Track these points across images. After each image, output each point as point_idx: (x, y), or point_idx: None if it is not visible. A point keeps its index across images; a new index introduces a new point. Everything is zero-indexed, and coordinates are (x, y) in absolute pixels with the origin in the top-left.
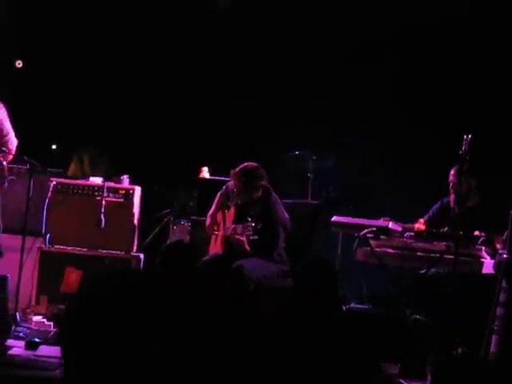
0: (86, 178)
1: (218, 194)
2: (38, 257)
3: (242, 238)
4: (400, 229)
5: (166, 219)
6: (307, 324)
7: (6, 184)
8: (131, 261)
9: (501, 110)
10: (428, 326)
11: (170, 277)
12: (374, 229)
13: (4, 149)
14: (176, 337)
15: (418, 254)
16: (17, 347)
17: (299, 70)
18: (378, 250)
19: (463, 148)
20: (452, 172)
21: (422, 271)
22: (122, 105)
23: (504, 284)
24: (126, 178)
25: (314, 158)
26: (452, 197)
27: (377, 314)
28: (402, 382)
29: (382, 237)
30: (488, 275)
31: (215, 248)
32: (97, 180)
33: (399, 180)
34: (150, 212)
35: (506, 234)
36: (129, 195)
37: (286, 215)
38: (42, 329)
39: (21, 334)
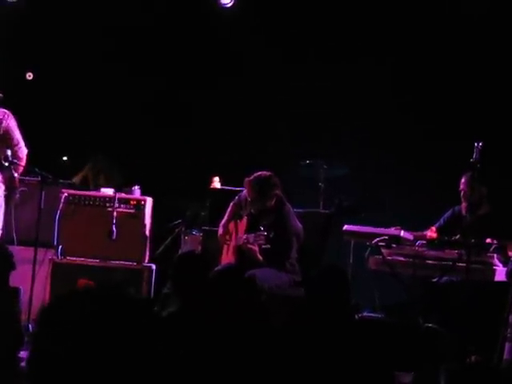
0: (98, 188)
1: (231, 203)
2: (49, 268)
3: (254, 247)
4: (412, 237)
5: (177, 230)
6: (320, 333)
7: (18, 195)
8: (143, 271)
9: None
10: (441, 335)
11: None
12: (386, 237)
13: (15, 161)
14: (183, 350)
15: (430, 262)
16: None
17: (310, 78)
18: (389, 258)
19: (474, 156)
20: (463, 180)
21: (434, 279)
22: (132, 116)
23: None
24: (137, 189)
25: (325, 166)
26: (464, 205)
27: (389, 322)
28: None
29: (393, 245)
30: (500, 282)
31: (227, 258)
32: (108, 191)
33: (410, 188)
34: (162, 223)
35: None
36: (140, 206)
37: (299, 225)
38: None
39: None
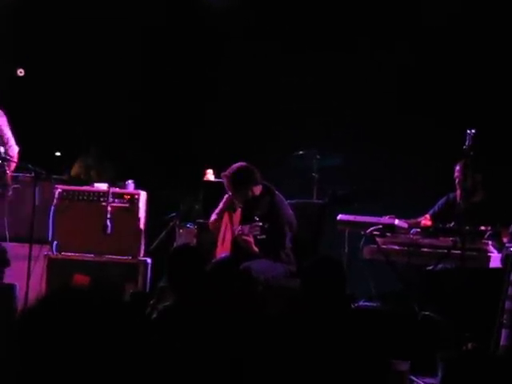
0: (90, 183)
1: (226, 195)
2: (45, 264)
3: (249, 239)
4: (406, 225)
5: (172, 223)
6: (316, 323)
7: (10, 192)
8: (138, 266)
9: (505, 104)
10: (437, 322)
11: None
12: (380, 226)
13: (8, 157)
14: (180, 344)
15: (425, 250)
16: None
17: (304, 70)
18: (384, 247)
19: (467, 143)
20: (457, 167)
21: (430, 267)
22: (125, 110)
23: None
24: (130, 183)
25: (318, 157)
26: (458, 192)
27: (385, 311)
28: (413, 378)
29: (388, 234)
30: (495, 269)
31: (222, 250)
32: (102, 186)
33: (404, 177)
34: (156, 216)
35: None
36: (134, 200)
37: (292, 213)
38: None
39: None
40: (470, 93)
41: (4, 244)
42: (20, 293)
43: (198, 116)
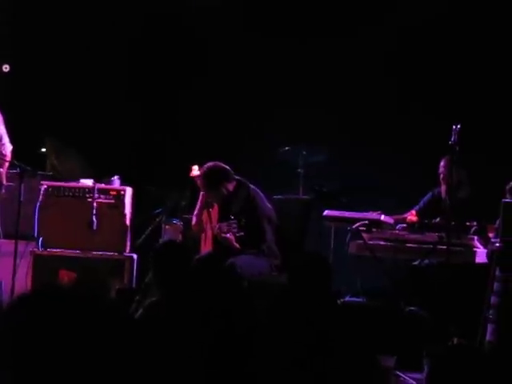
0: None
1: (201, 193)
2: (31, 261)
3: (229, 236)
4: (392, 221)
5: (158, 219)
6: (302, 318)
7: (4, 191)
8: (124, 262)
9: (490, 100)
10: (423, 318)
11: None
12: (366, 222)
13: (1, 156)
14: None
15: (411, 245)
16: None
17: (289, 63)
18: (370, 242)
19: (452, 138)
20: (442, 163)
21: (416, 262)
22: (110, 106)
23: (498, 273)
24: (116, 179)
25: (304, 152)
26: (443, 187)
27: (371, 306)
28: (399, 374)
29: (374, 229)
30: (481, 264)
31: (206, 247)
32: (87, 182)
33: (390, 172)
34: (142, 212)
35: (497, 222)
36: (120, 196)
37: (270, 207)
38: None
39: None
40: (456, 88)
41: None
42: (5, 289)
43: (184, 112)
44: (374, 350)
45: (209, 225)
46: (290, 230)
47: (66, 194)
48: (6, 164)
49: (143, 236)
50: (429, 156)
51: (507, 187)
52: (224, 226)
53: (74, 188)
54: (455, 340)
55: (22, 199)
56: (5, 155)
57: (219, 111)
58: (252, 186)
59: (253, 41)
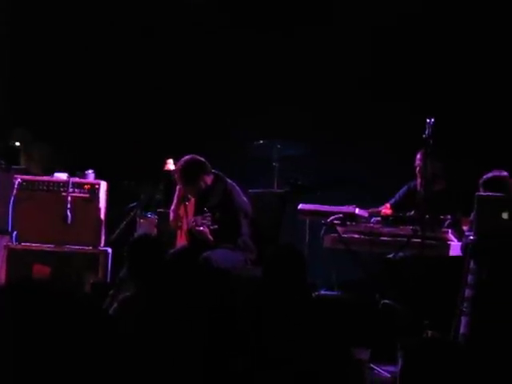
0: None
1: (177, 187)
2: (5, 255)
3: (203, 229)
4: (366, 214)
5: (132, 213)
6: (277, 312)
7: None
8: (99, 256)
9: (466, 93)
10: (397, 310)
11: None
12: (341, 215)
13: None
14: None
15: (385, 238)
16: None
17: (264, 58)
18: (345, 236)
19: (426, 132)
20: (418, 156)
21: (390, 256)
22: (83, 98)
23: (472, 265)
24: (91, 173)
25: (279, 146)
26: (419, 181)
27: (346, 299)
28: (373, 366)
29: (348, 223)
30: (455, 257)
31: (182, 241)
32: (62, 176)
33: (365, 165)
34: (117, 206)
35: (472, 215)
36: (94, 190)
37: (246, 200)
38: None
39: None
40: (432, 82)
41: None
42: None
43: (157, 105)
44: (348, 343)
45: (185, 219)
46: (265, 224)
47: (41, 187)
48: None
49: (118, 230)
50: (405, 149)
51: (480, 181)
52: (198, 219)
53: (49, 182)
54: (429, 333)
55: None
56: None
57: (193, 105)
58: (229, 180)
59: (228, 35)
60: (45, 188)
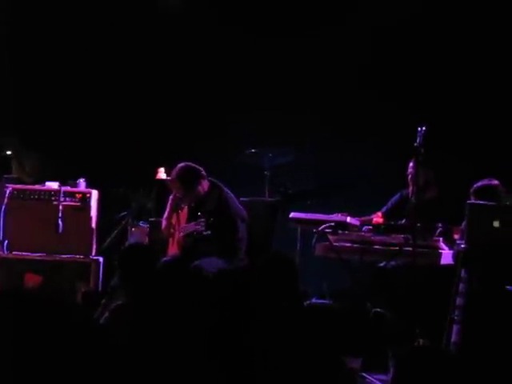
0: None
1: (171, 196)
2: None
3: (190, 228)
4: (358, 223)
5: (124, 221)
6: (269, 320)
7: None
8: (90, 264)
9: (458, 102)
10: (389, 319)
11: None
12: (332, 224)
13: None
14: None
15: (377, 247)
16: None
17: (255, 66)
18: (336, 244)
19: (418, 140)
20: (411, 164)
21: (382, 264)
22: (75, 108)
23: (463, 274)
24: (82, 182)
25: (270, 155)
26: (411, 189)
27: (337, 308)
28: (365, 375)
29: (340, 231)
30: (447, 266)
31: (173, 249)
32: (53, 185)
33: (357, 174)
34: (108, 215)
35: (463, 224)
36: (86, 199)
37: (242, 208)
38: None
39: None
40: (423, 89)
41: None
42: None
43: (149, 113)
44: (339, 352)
45: (177, 227)
46: (257, 232)
47: (32, 196)
48: None
49: (109, 239)
50: (397, 158)
51: (471, 190)
52: (191, 225)
53: (40, 191)
54: (420, 341)
55: None
56: None
57: (185, 114)
58: (224, 187)
59: (220, 43)
60: (36, 197)
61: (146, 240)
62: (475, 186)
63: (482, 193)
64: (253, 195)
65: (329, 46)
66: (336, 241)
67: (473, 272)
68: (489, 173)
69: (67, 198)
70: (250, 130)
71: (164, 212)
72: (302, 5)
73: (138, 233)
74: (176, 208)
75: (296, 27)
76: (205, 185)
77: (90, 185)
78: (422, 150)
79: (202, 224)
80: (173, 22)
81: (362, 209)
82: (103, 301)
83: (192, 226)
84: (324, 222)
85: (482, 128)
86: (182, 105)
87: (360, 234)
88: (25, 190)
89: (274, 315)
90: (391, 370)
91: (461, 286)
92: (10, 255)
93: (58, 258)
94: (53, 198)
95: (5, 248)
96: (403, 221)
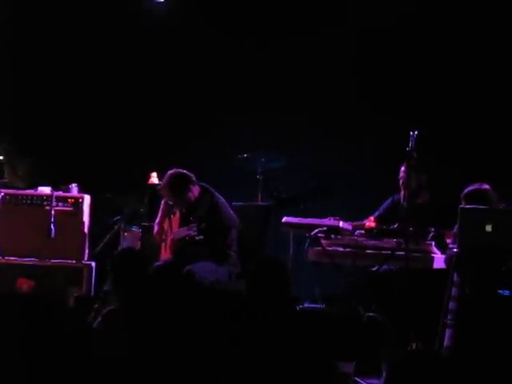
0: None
1: (162, 201)
2: None
3: (188, 232)
4: (350, 227)
5: (116, 226)
6: (261, 325)
7: None
8: (83, 269)
9: (450, 106)
10: (381, 323)
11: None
12: (325, 228)
13: None
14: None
15: (369, 251)
16: None
17: (247, 69)
18: (329, 249)
19: (410, 144)
20: (402, 168)
21: (374, 268)
22: (68, 112)
23: (456, 278)
24: (74, 187)
25: (263, 159)
26: (403, 193)
27: (330, 312)
28: (358, 380)
29: (332, 236)
30: (439, 270)
31: (165, 254)
32: (45, 189)
33: (349, 179)
34: (101, 220)
35: (455, 228)
36: (78, 204)
37: (233, 214)
38: None
39: None
40: (416, 93)
41: None
42: None
43: (141, 118)
44: (332, 356)
45: (169, 232)
46: (249, 237)
47: (24, 201)
48: None
49: (102, 243)
50: (391, 161)
51: (462, 194)
52: (183, 230)
53: (32, 196)
54: (413, 345)
55: None
56: None
57: (178, 119)
58: (216, 193)
59: (211, 46)
60: (28, 202)
61: (139, 245)
62: (466, 190)
63: (473, 197)
64: (245, 199)
65: (323, 49)
66: (328, 245)
67: (465, 276)
68: (481, 177)
69: (59, 203)
70: (243, 132)
71: (156, 216)
72: (297, 7)
73: (131, 237)
74: (168, 213)
75: (291, 28)
76: (195, 191)
77: (82, 190)
78: (415, 154)
79: (194, 229)
80: (168, 26)
81: (354, 213)
82: (96, 305)
83: (184, 231)
84: (316, 226)
85: (474, 132)
86: (174, 110)
87: (352, 238)
88: (17, 195)
89: (267, 319)
90: (384, 374)
91: (453, 290)
92: (2, 260)
93: (50, 263)
94: (45, 203)
95: None
96: (395, 225)
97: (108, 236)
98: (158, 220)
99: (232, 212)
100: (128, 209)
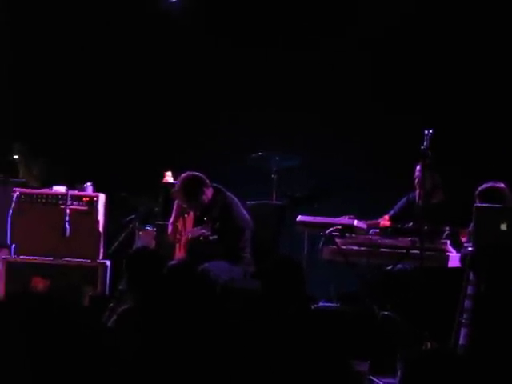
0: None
1: (176, 201)
2: (3, 268)
3: (197, 232)
4: (365, 226)
5: (131, 225)
6: (276, 324)
7: None
8: (97, 268)
9: (464, 106)
10: (396, 322)
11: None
12: (339, 227)
13: None
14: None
15: (384, 250)
16: None
17: (261, 69)
18: (343, 247)
19: (425, 143)
20: (418, 167)
21: (389, 267)
22: (82, 111)
23: (471, 277)
24: (89, 186)
25: (277, 158)
26: (418, 192)
27: (345, 311)
28: (373, 378)
29: (347, 234)
30: (454, 268)
31: (180, 254)
32: (60, 188)
33: (364, 177)
34: (115, 218)
35: (470, 226)
36: (93, 203)
37: (246, 214)
38: None
39: None
40: (430, 93)
41: None
42: None
43: (156, 117)
44: (347, 355)
45: (184, 232)
46: (264, 236)
47: (39, 200)
48: None
49: (116, 242)
50: (405, 161)
51: (476, 192)
52: (197, 229)
53: (47, 195)
54: (429, 344)
55: None
56: None
57: (192, 118)
58: (228, 193)
59: (227, 44)
60: (43, 201)
61: (153, 244)
62: (480, 188)
63: (487, 195)
64: (260, 198)
65: (333, 51)
66: (343, 244)
67: (480, 274)
68: (495, 176)
69: (74, 202)
70: (258, 131)
71: (171, 215)
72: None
73: (146, 236)
74: (182, 213)
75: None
76: (209, 193)
77: (97, 189)
78: (430, 153)
79: (208, 229)
80: (180, 25)
81: (369, 212)
82: (111, 305)
83: (198, 231)
84: (331, 225)
85: (489, 131)
86: (189, 109)
87: (367, 237)
88: (32, 194)
89: (282, 318)
90: (399, 373)
91: (469, 288)
92: (18, 259)
93: (65, 262)
94: (60, 202)
95: (12, 252)
96: (410, 224)
97: (123, 235)
98: (172, 220)
99: (245, 213)
100: (143, 208)
